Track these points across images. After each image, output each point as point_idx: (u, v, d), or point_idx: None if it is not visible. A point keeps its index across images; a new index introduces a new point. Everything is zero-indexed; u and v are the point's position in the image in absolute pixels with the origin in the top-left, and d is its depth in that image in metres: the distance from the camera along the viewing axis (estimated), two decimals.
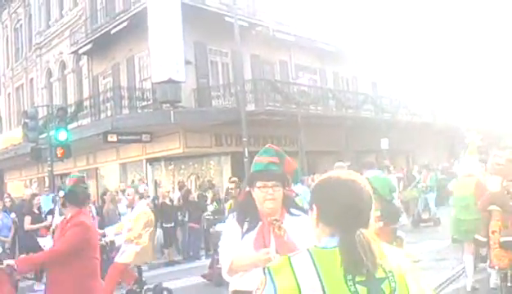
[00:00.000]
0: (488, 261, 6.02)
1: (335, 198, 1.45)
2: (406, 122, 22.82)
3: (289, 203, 2.72)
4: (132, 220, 6.70)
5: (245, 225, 2.66)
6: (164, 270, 10.42)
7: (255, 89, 17.20)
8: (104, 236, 6.69)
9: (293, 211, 2.69)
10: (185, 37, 16.47)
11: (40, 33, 24.49)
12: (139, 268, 7.02)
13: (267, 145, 2.82)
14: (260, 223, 2.64)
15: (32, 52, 25.37)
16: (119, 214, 11.34)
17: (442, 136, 24.04)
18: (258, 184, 2.62)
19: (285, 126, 17.28)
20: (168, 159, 17.80)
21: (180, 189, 13.84)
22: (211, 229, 9.28)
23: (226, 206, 10.71)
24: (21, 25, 26.79)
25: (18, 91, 27.30)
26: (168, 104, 16.27)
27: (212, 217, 10.36)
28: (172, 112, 15.57)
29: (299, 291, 1.35)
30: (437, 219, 13.52)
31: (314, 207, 1.50)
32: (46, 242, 5.63)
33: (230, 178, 15.15)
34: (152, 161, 17.94)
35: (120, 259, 6.67)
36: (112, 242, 6.91)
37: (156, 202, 11.63)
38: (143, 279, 7.15)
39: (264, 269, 1.47)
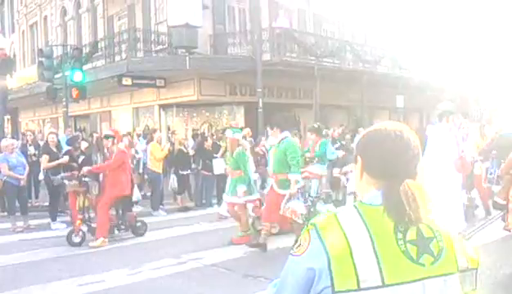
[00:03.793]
0: (505, 224, 6.04)
1: (381, 147, 1.41)
2: (422, 80, 22.36)
3: None
4: None
5: None
6: (176, 216, 10.65)
7: (272, 38, 16.84)
8: None
9: None
10: None
11: None
12: None
13: None
14: None
15: None
16: (135, 156, 11.47)
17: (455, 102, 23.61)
18: None
19: (300, 77, 17.05)
20: (181, 106, 17.76)
21: (193, 137, 13.89)
22: None
23: None
24: None
25: (32, 28, 27.01)
26: (183, 50, 16.04)
27: None
28: (187, 57, 15.37)
29: (350, 249, 1.28)
30: None
31: (359, 158, 1.46)
32: None
33: (242, 128, 15.21)
34: (165, 107, 17.91)
35: None
36: None
37: (172, 148, 11.69)
38: None
39: (307, 225, 1.38)
